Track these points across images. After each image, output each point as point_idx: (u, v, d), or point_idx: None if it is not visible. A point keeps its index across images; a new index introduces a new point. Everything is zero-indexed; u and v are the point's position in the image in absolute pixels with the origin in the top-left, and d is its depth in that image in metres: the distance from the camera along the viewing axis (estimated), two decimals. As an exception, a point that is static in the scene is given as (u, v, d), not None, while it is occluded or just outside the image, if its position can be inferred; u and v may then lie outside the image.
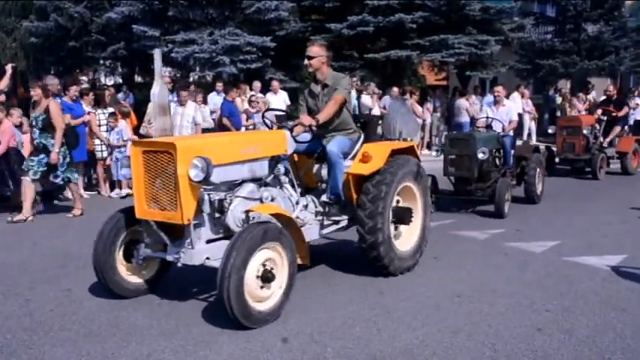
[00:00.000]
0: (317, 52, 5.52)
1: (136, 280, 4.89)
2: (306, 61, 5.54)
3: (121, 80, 21.06)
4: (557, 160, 12.82)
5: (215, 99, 13.03)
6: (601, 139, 12.69)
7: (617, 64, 19.92)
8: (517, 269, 5.82)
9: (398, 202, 5.61)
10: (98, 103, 10.76)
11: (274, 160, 5.11)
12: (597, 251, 6.44)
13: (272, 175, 5.12)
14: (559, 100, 18.46)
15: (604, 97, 14.01)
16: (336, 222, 5.58)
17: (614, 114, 12.79)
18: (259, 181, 5.01)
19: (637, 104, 16.87)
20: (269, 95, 14.21)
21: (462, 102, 15.63)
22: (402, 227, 5.75)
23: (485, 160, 8.53)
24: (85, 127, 9.98)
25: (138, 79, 21.53)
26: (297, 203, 5.32)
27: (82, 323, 4.40)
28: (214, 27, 15.69)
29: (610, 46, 19.79)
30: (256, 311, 4.23)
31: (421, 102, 15.16)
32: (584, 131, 12.44)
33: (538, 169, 9.34)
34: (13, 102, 12.17)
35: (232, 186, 4.79)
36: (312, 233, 5.32)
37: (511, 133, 9.46)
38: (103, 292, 5.02)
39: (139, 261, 4.79)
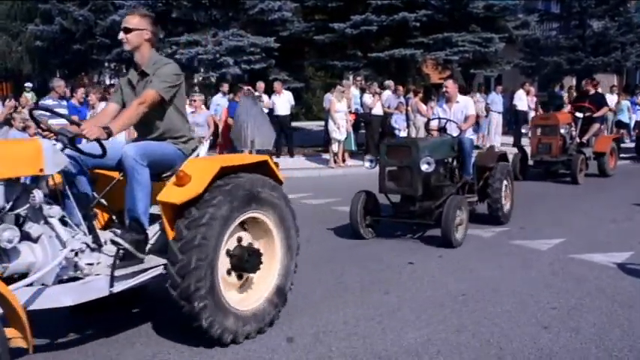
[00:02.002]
0: (137, 24, 4.01)
1: None
2: (121, 35, 4.02)
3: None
4: (531, 162, 11.73)
5: (219, 101, 13.05)
6: (577, 138, 11.74)
7: (622, 61, 19.83)
8: (522, 267, 5.80)
9: (240, 240, 4.09)
10: (105, 98, 10.76)
11: (22, 185, 3.41)
12: (603, 248, 6.41)
13: (25, 206, 3.38)
14: (566, 96, 18.30)
15: (577, 94, 13.42)
16: (144, 269, 3.80)
17: (588, 113, 11.79)
18: None
19: None
20: (273, 98, 14.24)
21: (466, 100, 15.58)
22: (251, 275, 4.19)
23: (434, 172, 6.89)
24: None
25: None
26: (87, 243, 3.62)
27: (86, 324, 4.41)
28: (218, 28, 15.73)
29: (615, 42, 19.69)
30: None
31: (425, 100, 15.12)
32: (562, 130, 11.42)
33: (505, 182, 7.69)
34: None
35: None
36: (95, 288, 3.56)
37: (470, 134, 7.93)
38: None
39: None
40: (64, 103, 9.06)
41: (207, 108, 12.91)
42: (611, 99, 17.13)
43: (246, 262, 4.01)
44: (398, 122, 13.82)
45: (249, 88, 12.59)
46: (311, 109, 27.76)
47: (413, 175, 6.69)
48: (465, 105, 7.93)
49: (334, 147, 13.45)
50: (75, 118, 7.20)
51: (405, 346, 3.98)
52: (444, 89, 8.17)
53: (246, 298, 4.17)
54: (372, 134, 14.16)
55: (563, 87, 19.65)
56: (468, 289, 5.14)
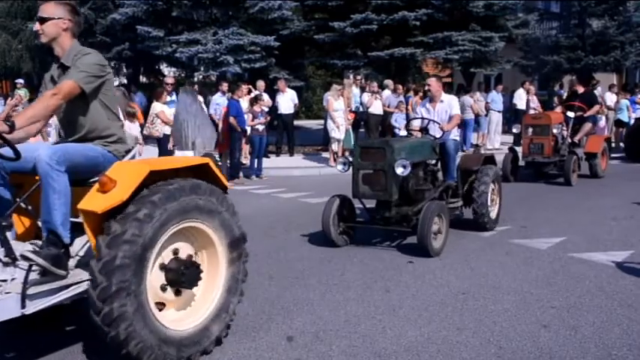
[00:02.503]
0: (52, 13, 3.64)
1: None
2: (36, 26, 3.67)
3: (125, 81, 21.16)
4: (522, 163, 11.38)
5: (219, 100, 13.05)
6: (568, 139, 11.36)
7: (622, 60, 19.84)
8: (522, 266, 5.81)
9: (176, 252, 3.66)
10: None
11: None
12: (603, 247, 6.42)
13: None
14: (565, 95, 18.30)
15: (567, 93, 12.99)
16: (65, 285, 3.37)
17: (579, 113, 11.37)
18: None
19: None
20: (277, 96, 14.24)
21: (466, 99, 15.60)
22: (189, 291, 3.76)
23: (412, 176, 6.47)
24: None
25: (143, 79, 21.61)
26: None
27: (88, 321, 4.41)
28: (218, 27, 15.74)
29: (615, 41, 19.70)
30: None
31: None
32: (554, 130, 11.06)
33: (492, 186, 7.31)
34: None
35: None
36: (4, 308, 3.13)
37: (454, 135, 7.56)
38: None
39: None
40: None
41: (208, 107, 12.91)
42: (611, 98, 17.13)
43: (182, 275, 3.55)
44: (398, 121, 13.81)
45: (225, 85, 12.30)
46: (311, 108, 27.78)
47: (387, 178, 6.27)
48: (450, 104, 7.51)
49: (334, 146, 13.46)
50: None
51: (405, 345, 3.99)
52: (427, 87, 7.80)
53: (185, 316, 3.71)
54: (370, 133, 14.16)
55: (563, 86, 19.66)
56: (468, 287, 5.16)
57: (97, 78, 3.63)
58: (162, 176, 3.50)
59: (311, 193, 10.19)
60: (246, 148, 12.78)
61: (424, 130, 7.50)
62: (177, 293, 3.69)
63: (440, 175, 7.25)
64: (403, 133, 14.08)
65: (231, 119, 11.50)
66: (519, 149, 11.61)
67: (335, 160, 13.26)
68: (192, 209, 3.57)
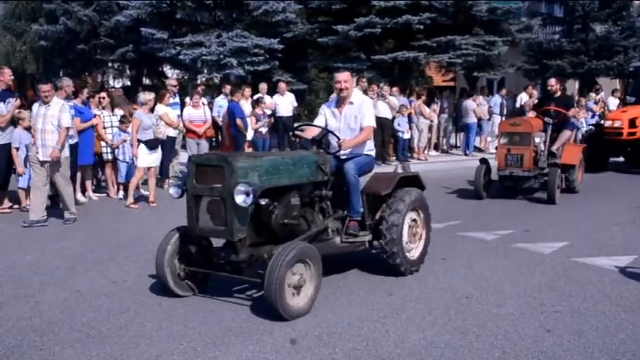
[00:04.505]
0: None
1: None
2: None
3: (129, 83, 21.20)
4: (496, 177, 9.93)
5: (221, 102, 13.06)
6: (545, 149, 9.75)
7: (625, 64, 19.80)
8: (525, 270, 5.81)
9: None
10: (103, 105, 10.75)
11: None
12: (606, 252, 6.42)
13: None
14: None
15: (540, 96, 11.63)
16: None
17: (557, 119, 9.79)
18: None
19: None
20: (276, 97, 14.24)
21: (469, 103, 15.60)
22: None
23: (275, 206, 4.83)
24: (93, 130, 10.02)
25: (146, 81, 21.65)
26: None
27: (91, 325, 4.43)
28: (222, 29, 15.74)
29: (618, 46, 19.65)
30: None
31: (428, 103, 15.14)
32: (536, 139, 9.53)
33: (412, 216, 5.70)
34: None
35: None
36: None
37: (368, 149, 5.65)
38: (112, 294, 5.06)
39: None
40: (70, 103, 9.05)
41: (211, 109, 12.90)
42: (614, 103, 17.12)
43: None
44: (401, 125, 13.82)
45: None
46: (314, 111, 27.78)
47: (227, 209, 4.55)
48: (360, 109, 5.59)
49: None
50: None
51: (408, 348, 3.99)
52: (337, 84, 5.66)
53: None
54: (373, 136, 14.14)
55: (566, 91, 19.63)
56: (471, 291, 5.15)
57: None
58: None
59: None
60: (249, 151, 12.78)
61: (317, 143, 5.56)
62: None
63: (327, 204, 5.46)
64: (407, 136, 14.12)
65: (238, 121, 11.48)
66: (493, 159, 10.11)
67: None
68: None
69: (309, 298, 4.65)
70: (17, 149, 8.71)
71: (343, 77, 5.61)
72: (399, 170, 6.11)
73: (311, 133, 5.69)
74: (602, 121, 14.82)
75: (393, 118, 13.75)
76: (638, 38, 19.93)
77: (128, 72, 21.54)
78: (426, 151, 15.03)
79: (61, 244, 7.04)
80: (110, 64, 20.35)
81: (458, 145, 17.01)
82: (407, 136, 14.07)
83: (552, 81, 10.30)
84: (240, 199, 4.42)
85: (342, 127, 5.61)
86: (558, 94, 10.17)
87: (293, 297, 4.54)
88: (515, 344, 4.05)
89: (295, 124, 6.80)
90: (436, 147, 15.93)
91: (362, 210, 5.46)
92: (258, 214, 4.74)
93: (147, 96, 9.73)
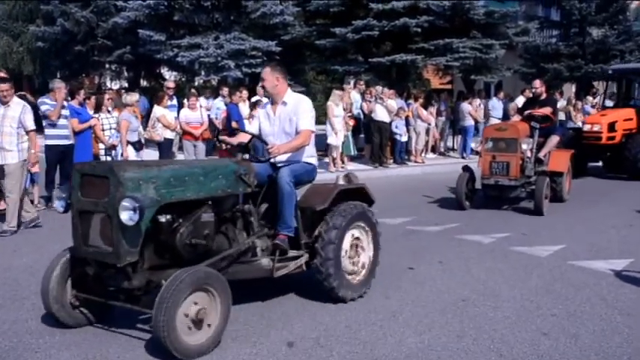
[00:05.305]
0: None
1: None
2: None
3: (126, 84, 21.20)
4: (479, 185, 9.28)
5: (219, 104, 13.06)
6: (532, 155, 9.15)
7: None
8: (522, 273, 5.82)
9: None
10: (100, 107, 10.74)
11: None
12: (603, 255, 6.43)
13: None
14: (563, 103, 18.09)
15: (525, 98, 10.83)
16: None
17: (545, 124, 9.16)
18: None
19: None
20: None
21: (465, 106, 15.66)
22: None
23: (180, 223, 4.14)
24: (91, 132, 10.01)
25: (143, 83, 21.64)
26: None
27: (87, 327, 4.41)
28: (220, 31, 15.75)
29: (615, 49, 19.75)
30: None
31: (426, 106, 15.16)
32: (523, 145, 8.84)
33: (355, 233, 5.04)
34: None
35: None
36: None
37: (308, 155, 5.05)
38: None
39: None
40: (64, 104, 9.04)
41: (209, 111, 12.90)
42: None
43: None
44: (399, 127, 13.83)
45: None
46: (311, 113, 27.77)
47: (113, 228, 3.85)
48: (296, 110, 4.96)
49: (333, 152, 13.45)
50: None
51: (405, 351, 4.00)
52: (262, 82, 5.17)
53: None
54: (369, 138, 14.15)
55: (563, 94, 19.70)
56: (468, 294, 5.16)
57: None
58: None
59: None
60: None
61: (243, 149, 4.97)
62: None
63: (253, 219, 4.69)
64: (404, 139, 14.14)
65: (234, 124, 11.48)
66: (477, 166, 9.40)
67: (334, 165, 13.26)
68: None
69: (213, 332, 3.93)
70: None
71: (264, 74, 5.02)
72: (341, 181, 5.28)
73: (240, 138, 5.13)
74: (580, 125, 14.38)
75: (391, 121, 13.76)
76: (635, 42, 20.04)
77: (125, 74, 21.56)
78: (423, 154, 15.05)
79: (58, 245, 7.01)
80: (107, 66, 20.37)
81: (455, 147, 17.04)
82: (404, 138, 14.08)
83: (537, 83, 9.88)
84: (125, 216, 3.71)
85: (276, 130, 5.02)
86: (544, 96, 9.72)
87: (190, 332, 3.82)
88: (512, 347, 4.05)
89: (221, 130, 6.34)
90: (433, 150, 15.96)
91: (295, 225, 4.77)
92: (159, 232, 4.05)
93: (132, 97, 9.74)
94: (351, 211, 4.93)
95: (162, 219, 4.00)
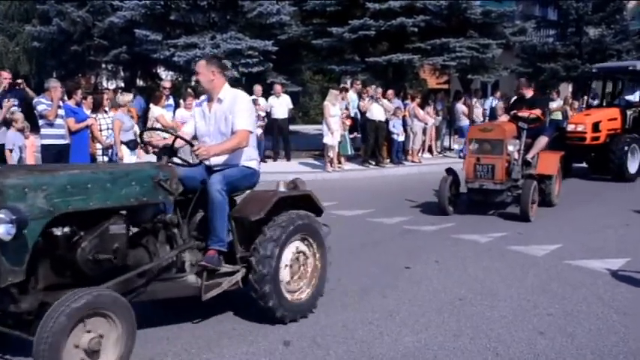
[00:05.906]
0: None
1: None
2: None
3: (123, 84, 21.18)
4: (464, 189, 8.69)
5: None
6: (519, 157, 8.56)
7: (618, 68, 19.92)
8: (519, 273, 5.82)
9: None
10: (97, 107, 10.71)
11: None
12: (599, 255, 6.44)
13: None
14: (560, 103, 18.06)
15: (515, 98, 10.18)
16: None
17: (529, 126, 8.59)
18: None
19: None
20: (271, 99, 14.24)
21: (459, 106, 15.71)
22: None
23: (81, 237, 3.66)
24: (87, 132, 9.98)
25: (140, 82, 21.62)
26: None
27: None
28: (216, 31, 15.75)
29: (612, 49, 19.77)
30: None
31: (422, 105, 15.17)
32: (510, 147, 8.31)
33: (298, 246, 4.56)
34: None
35: None
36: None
37: (247, 158, 4.59)
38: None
39: None
40: (60, 103, 9.02)
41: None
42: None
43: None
44: (396, 127, 13.83)
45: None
46: (308, 113, 27.80)
47: None
48: (232, 107, 4.50)
49: (330, 152, 13.45)
50: None
51: (402, 351, 4.00)
52: (197, 75, 4.66)
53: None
54: (366, 138, 14.14)
55: (559, 94, 19.72)
56: (465, 293, 5.16)
57: None
58: None
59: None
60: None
61: (168, 151, 4.41)
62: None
63: (177, 231, 4.21)
64: (401, 138, 14.14)
65: (171, 123, 11.45)
66: (461, 168, 8.79)
67: (331, 164, 13.26)
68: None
69: None
70: (11, 151, 8.67)
71: (198, 67, 4.56)
72: (281, 188, 4.62)
73: (168, 139, 4.59)
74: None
75: (387, 120, 13.77)
76: (632, 42, 20.07)
77: (122, 73, 21.55)
78: (420, 154, 15.06)
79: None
80: (104, 66, 20.37)
81: (452, 147, 17.05)
82: (401, 138, 14.08)
83: (523, 81, 9.56)
84: (1, 229, 3.19)
85: (212, 130, 4.55)
86: (530, 94, 9.27)
87: None
88: (509, 346, 4.06)
89: (144, 130, 5.65)
90: (430, 149, 15.98)
91: (229, 238, 4.32)
92: (54, 247, 3.56)
93: (125, 97, 9.72)
94: (292, 222, 4.39)
95: (58, 232, 3.53)
